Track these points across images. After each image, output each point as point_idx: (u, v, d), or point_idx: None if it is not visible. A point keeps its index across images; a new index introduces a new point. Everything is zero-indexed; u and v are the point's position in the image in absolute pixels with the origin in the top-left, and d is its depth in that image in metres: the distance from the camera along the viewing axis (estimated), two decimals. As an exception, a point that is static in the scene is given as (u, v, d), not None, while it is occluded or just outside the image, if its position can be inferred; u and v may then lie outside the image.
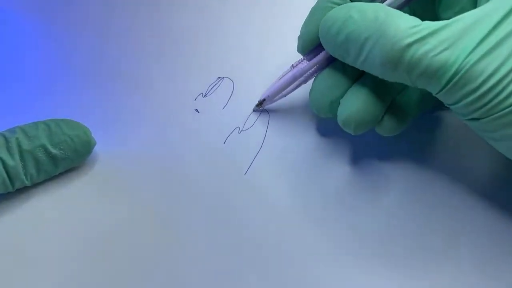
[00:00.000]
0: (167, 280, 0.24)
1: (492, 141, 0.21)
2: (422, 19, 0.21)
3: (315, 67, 0.26)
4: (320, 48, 0.25)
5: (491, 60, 0.19)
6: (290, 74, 0.27)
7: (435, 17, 0.26)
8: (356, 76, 0.25)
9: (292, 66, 0.27)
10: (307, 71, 0.26)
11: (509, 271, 0.24)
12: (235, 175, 0.27)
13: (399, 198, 0.26)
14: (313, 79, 0.26)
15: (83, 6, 0.33)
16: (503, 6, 0.20)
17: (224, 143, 0.28)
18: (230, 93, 0.29)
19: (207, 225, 0.25)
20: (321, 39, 0.24)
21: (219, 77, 0.30)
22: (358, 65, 0.22)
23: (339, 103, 0.25)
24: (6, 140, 0.24)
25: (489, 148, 0.23)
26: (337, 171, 0.27)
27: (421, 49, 0.20)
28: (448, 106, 0.21)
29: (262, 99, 0.28)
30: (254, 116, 0.28)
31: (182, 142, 0.28)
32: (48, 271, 0.24)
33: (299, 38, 0.26)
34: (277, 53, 0.31)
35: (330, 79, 0.25)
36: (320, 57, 0.25)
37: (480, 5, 0.21)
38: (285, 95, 0.28)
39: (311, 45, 0.25)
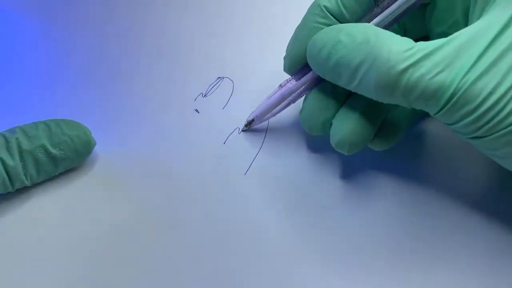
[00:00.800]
0: (167, 280, 0.24)
1: (496, 158, 0.21)
2: (413, 33, 0.20)
3: (303, 86, 0.25)
4: (308, 67, 0.25)
5: (488, 79, 0.19)
6: (278, 93, 0.26)
7: (425, 31, 0.25)
8: (346, 95, 0.25)
9: (280, 86, 0.26)
10: (295, 91, 0.25)
11: (506, 273, 0.24)
12: (235, 175, 0.27)
13: (395, 202, 0.26)
14: (302, 97, 0.26)
15: (83, 7, 0.33)
16: (496, 23, 0.19)
17: (224, 143, 0.28)
18: (230, 93, 0.30)
19: (207, 225, 0.25)
20: (309, 62, 0.24)
21: (219, 77, 0.30)
22: (351, 88, 0.22)
23: (331, 122, 0.24)
24: (6, 140, 0.24)
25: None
26: (337, 171, 0.27)
27: (416, 73, 0.19)
28: (447, 125, 0.21)
29: (250, 119, 0.28)
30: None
31: (182, 142, 0.28)
32: (48, 271, 0.24)
33: (285, 58, 0.25)
34: (277, 54, 0.30)
35: (320, 100, 0.25)
36: (309, 76, 0.25)
37: (472, 22, 0.21)
38: (274, 115, 0.27)
39: (298, 65, 0.25)
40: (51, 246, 0.25)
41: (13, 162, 0.24)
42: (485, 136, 0.20)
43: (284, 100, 0.26)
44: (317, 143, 0.28)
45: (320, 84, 0.25)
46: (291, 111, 0.29)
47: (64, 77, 0.30)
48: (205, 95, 0.30)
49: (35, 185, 0.26)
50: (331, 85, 0.24)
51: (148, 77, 0.30)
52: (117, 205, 0.26)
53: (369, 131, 0.24)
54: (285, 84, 0.26)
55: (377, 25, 0.23)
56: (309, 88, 0.25)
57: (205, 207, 0.26)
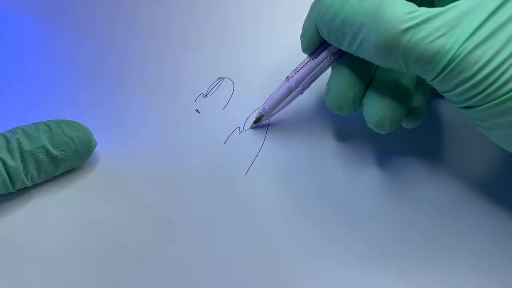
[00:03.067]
0: (168, 280, 0.24)
1: (485, 130, 0.21)
2: (419, 6, 0.20)
3: (311, 74, 0.25)
4: (323, 45, 0.25)
5: (487, 48, 0.19)
6: (285, 86, 0.26)
7: (431, 5, 0.25)
8: (371, 69, 0.25)
9: (287, 78, 0.26)
10: (303, 80, 0.26)
11: (508, 272, 0.24)
12: (236, 175, 0.27)
13: (398, 198, 0.26)
14: (308, 88, 0.26)
15: (84, 7, 0.33)
16: None
17: (225, 143, 0.28)
18: (230, 94, 0.30)
19: (207, 225, 0.25)
20: (317, 23, 0.24)
21: (219, 78, 0.30)
22: (353, 50, 0.22)
23: (361, 99, 0.24)
24: (7, 141, 0.24)
25: (489, 147, 0.23)
26: (337, 171, 0.27)
27: (417, 35, 0.19)
28: (442, 93, 0.21)
29: (259, 115, 0.28)
30: (254, 117, 0.28)
31: (183, 142, 0.28)
32: (48, 271, 0.24)
33: (301, 36, 0.25)
34: (277, 54, 0.31)
35: (347, 75, 0.24)
36: (324, 54, 0.25)
37: None
38: (281, 109, 0.27)
39: (314, 42, 0.25)
40: (52, 246, 0.25)
41: (14, 162, 0.24)
42: (477, 106, 0.20)
43: (292, 92, 0.26)
44: (317, 143, 0.28)
45: (342, 61, 0.25)
46: (292, 112, 0.29)
47: (65, 77, 0.30)
48: (205, 95, 0.30)
49: (36, 185, 0.26)
50: (355, 60, 0.24)
51: (149, 78, 0.30)
52: (118, 206, 0.26)
53: (405, 107, 0.24)
54: (292, 76, 0.26)
55: None
56: (326, 68, 0.25)
57: (205, 207, 0.26)
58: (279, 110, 0.27)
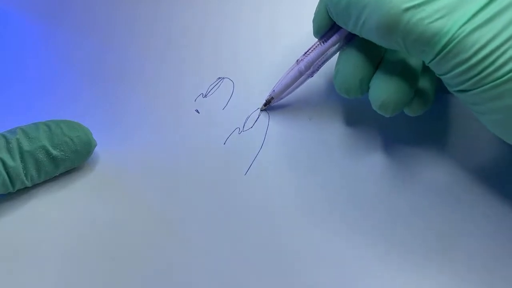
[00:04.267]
0: (168, 280, 0.24)
1: (479, 114, 0.22)
2: None
3: (321, 57, 0.26)
4: (333, 29, 0.25)
5: (484, 32, 0.19)
6: (296, 69, 0.27)
7: None
8: (379, 53, 0.25)
9: (297, 61, 0.27)
10: (314, 62, 0.26)
11: (509, 271, 0.24)
12: (235, 175, 0.27)
13: (401, 196, 0.26)
14: (318, 72, 0.26)
15: (84, 7, 0.33)
16: None
17: (224, 143, 0.28)
18: (230, 94, 0.30)
19: (207, 225, 0.25)
20: (327, 6, 0.24)
21: (219, 78, 0.30)
22: (357, 30, 0.23)
23: (368, 82, 0.25)
24: (7, 141, 0.24)
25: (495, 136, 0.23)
26: (337, 171, 0.27)
27: (417, 15, 0.20)
28: (439, 76, 0.22)
29: (269, 97, 0.28)
30: (254, 117, 0.29)
31: (183, 142, 0.28)
32: (48, 271, 0.24)
33: (313, 21, 0.26)
34: (277, 54, 0.31)
35: (355, 57, 0.25)
36: (335, 38, 0.25)
37: None
38: (291, 92, 0.28)
39: (325, 27, 0.25)
40: (51, 246, 0.25)
41: (13, 162, 0.24)
42: (471, 90, 0.20)
43: (302, 75, 0.27)
44: (317, 143, 0.28)
45: (351, 44, 0.25)
46: (291, 112, 0.29)
47: (65, 77, 0.30)
48: (205, 96, 0.30)
49: (36, 185, 0.26)
50: (363, 43, 0.24)
51: (149, 78, 0.30)
52: (118, 206, 0.26)
53: (410, 91, 0.24)
54: (302, 59, 0.26)
55: None
56: (335, 51, 0.26)
57: (205, 207, 0.26)
58: (288, 93, 0.28)
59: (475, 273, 0.24)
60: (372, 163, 0.27)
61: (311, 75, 0.27)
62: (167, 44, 0.32)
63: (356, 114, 0.28)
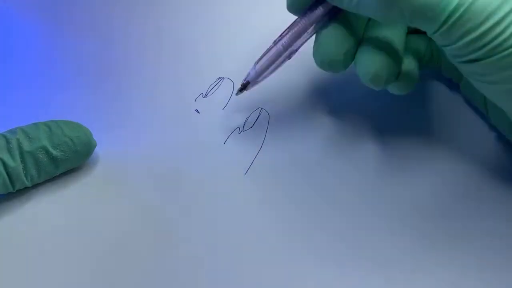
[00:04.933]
0: (168, 281, 0.24)
1: (488, 85, 0.20)
2: None
3: (302, 39, 0.24)
4: (315, 5, 0.24)
5: None
6: (273, 50, 0.25)
7: None
8: (360, 31, 0.24)
9: (275, 42, 0.25)
10: (293, 42, 0.24)
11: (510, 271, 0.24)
12: (235, 175, 0.27)
13: (402, 196, 0.26)
14: (296, 54, 0.25)
15: (85, 7, 0.33)
16: None
17: (224, 143, 0.28)
18: (230, 94, 0.30)
19: (207, 225, 0.25)
20: None
21: (219, 78, 0.30)
22: (353, 7, 0.21)
23: (352, 56, 0.24)
24: (7, 141, 0.24)
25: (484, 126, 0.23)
26: (337, 170, 0.27)
27: None
28: (443, 47, 0.20)
29: (245, 81, 0.26)
30: (254, 117, 0.28)
31: (183, 142, 0.28)
32: (48, 271, 0.24)
33: None
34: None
35: (339, 32, 0.23)
36: (318, 12, 0.23)
37: None
38: (268, 75, 0.26)
39: (306, 2, 0.24)
40: (51, 246, 0.25)
41: (14, 163, 0.24)
42: (483, 59, 0.19)
43: (280, 56, 0.25)
44: (317, 143, 0.28)
45: (332, 21, 0.24)
46: (291, 111, 0.29)
47: (65, 78, 0.30)
48: (205, 95, 0.30)
49: (36, 185, 0.26)
50: (344, 20, 0.23)
51: (149, 78, 0.30)
52: (117, 206, 0.26)
53: (397, 65, 0.23)
54: (279, 40, 0.25)
55: None
56: (317, 29, 0.24)
57: (205, 207, 0.26)
58: (265, 77, 0.26)
59: (474, 272, 0.24)
60: (375, 161, 0.27)
61: (289, 56, 0.25)
62: (167, 44, 0.32)
63: (357, 114, 0.28)
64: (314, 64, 0.25)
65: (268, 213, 0.26)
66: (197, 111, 0.29)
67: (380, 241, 0.25)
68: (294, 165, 0.27)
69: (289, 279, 0.24)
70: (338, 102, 0.29)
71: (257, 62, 0.26)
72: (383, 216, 0.25)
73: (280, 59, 0.25)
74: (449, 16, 0.19)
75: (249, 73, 0.26)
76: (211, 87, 0.30)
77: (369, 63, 0.23)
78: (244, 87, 0.26)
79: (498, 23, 0.18)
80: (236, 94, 0.26)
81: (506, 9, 0.18)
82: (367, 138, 0.27)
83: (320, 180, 0.27)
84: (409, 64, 0.25)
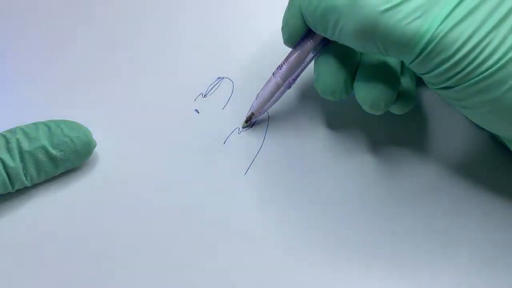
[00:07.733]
0: (167, 280, 0.24)
1: (464, 109, 0.21)
2: None
3: (299, 69, 0.25)
4: (307, 37, 0.24)
5: (465, 27, 0.19)
6: (273, 82, 0.26)
7: None
8: (358, 55, 0.25)
9: (274, 74, 0.26)
10: (291, 73, 0.25)
11: (509, 271, 0.24)
12: (235, 175, 0.27)
13: (400, 197, 0.26)
14: (294, 83, 0.26)
15: (84, 6, 0.33)
16: None
17: (224, 143, 0.28)
18: (230, 94, 0.29)
19: (207, 225, 0.25)
20: (303, 14, 0.23)
21: (219, 77, 0.30)
22: (336, 36, 0.22)
23: (351, 83, 0.24)
24: (7, 141, 0.24)
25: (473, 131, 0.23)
26: (337, 170, 0.27)
27: (394, 17, 0.19)
28: (420, 75, 0.21)
29: (250, 114, 0.28)
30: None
31: (182, 142, 0.28)
32: (48, 271, 0.24)
33: (283, 28, 0.25)
34: (277, 53, 0.30)
35: (336, 60, 0.24)
36: (310, 45, 0.24)
37: None
38: (271, 105, 0.27)
39: (298, 34, 0.24)
40: (51, 246, 0.25)
41: (13, 162, 0.24)
42: (456, 86, 0.20)
43: (280, 87, 0.26)
44: (317, 143, 0.28)
45: (327, 50, 0.24)
46: (291, 112, 0.29)
47: (65, 77, 0.30)
48: (205, 95, 0.30)
49: (35, 185, 0.26)
50: (339, 48, 0.24)
51: (148, 78, 0.30)
52: (117, 206, 0.26)
53: (395, 89, 0.24)
54: (277, 72, 0.26)
55: None
56: (312, 59, 0.25)
57: (205, 207, 0.26)
58: (269, 107, 0.27)
59: (474, 272, 0.24)
60: (375, 162, 0.27)
61: (289, 86, 0.26)
62: (167, 44, 0.32)
63: (357, 114, 0.28)
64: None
65: (268, 213, 0.26)
66: (197, 111, 0.29)
67: (380, 241, 0.25)
68: (294, 165, 0.27)
69: (289, 279, 0.24)
70: (338, 102, 0.29)
71: (259, 94, 0.27)
72: (383, 216, 0.25)
73: (281, 90, 0.26)
74: (422, 49, 0.20)
75: (252, 105, 0.27)
76: (211, 87, 0.30)
77: (367, 93, 0.23)
78: (249, 119, 0.28)
79: (469, 52, 0.19)
80: (242, 127, 0.28)
81: (476, 39, 0.19)
82: (367, 138, 0.27)
83: (319, 180, 0.27)
84: (406, 83, 0.25)
